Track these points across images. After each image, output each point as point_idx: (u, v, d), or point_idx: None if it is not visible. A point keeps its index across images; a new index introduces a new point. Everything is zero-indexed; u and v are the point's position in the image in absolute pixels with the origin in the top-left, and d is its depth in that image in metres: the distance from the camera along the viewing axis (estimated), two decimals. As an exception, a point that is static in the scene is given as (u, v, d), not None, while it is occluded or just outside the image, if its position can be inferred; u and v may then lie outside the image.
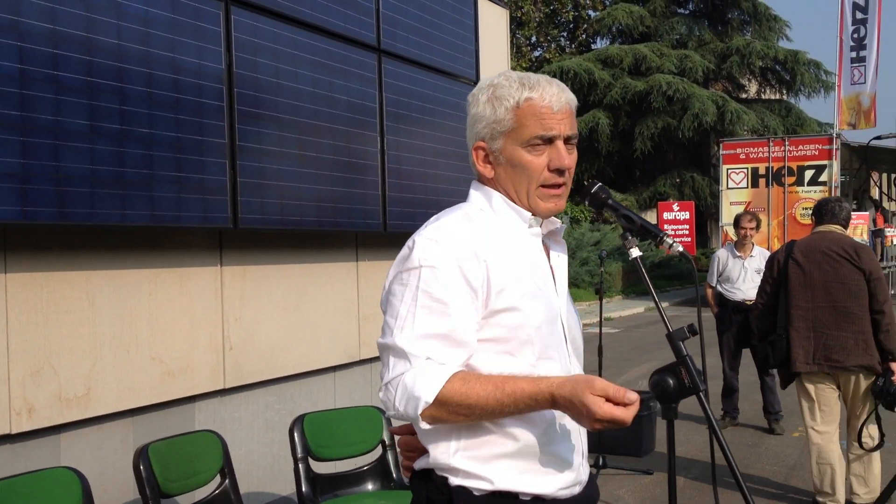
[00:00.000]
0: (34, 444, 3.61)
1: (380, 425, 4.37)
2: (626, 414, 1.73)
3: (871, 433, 5.18)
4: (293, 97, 4.79)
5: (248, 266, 4.74)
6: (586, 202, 2.10)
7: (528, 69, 27.88)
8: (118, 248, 4.00)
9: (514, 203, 2.00)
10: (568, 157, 1.96)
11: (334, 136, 5.08)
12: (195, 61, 4.19)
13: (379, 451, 4.37)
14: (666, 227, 20.66)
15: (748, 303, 7.54)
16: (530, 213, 1.99)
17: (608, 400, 1.72)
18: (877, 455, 5.21)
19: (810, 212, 19.18)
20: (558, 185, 1.98)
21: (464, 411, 1.81)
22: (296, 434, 4.10)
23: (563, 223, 2.10)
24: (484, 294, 1.88)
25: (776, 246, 17.29)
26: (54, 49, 3.52)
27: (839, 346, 5.07)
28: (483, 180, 2.05)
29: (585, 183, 6.09)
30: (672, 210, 24.07)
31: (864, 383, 5.11)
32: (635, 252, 1.99)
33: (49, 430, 3.67)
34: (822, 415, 5.22)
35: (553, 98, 1.93)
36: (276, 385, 4.99)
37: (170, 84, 4.04)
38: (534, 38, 33.77)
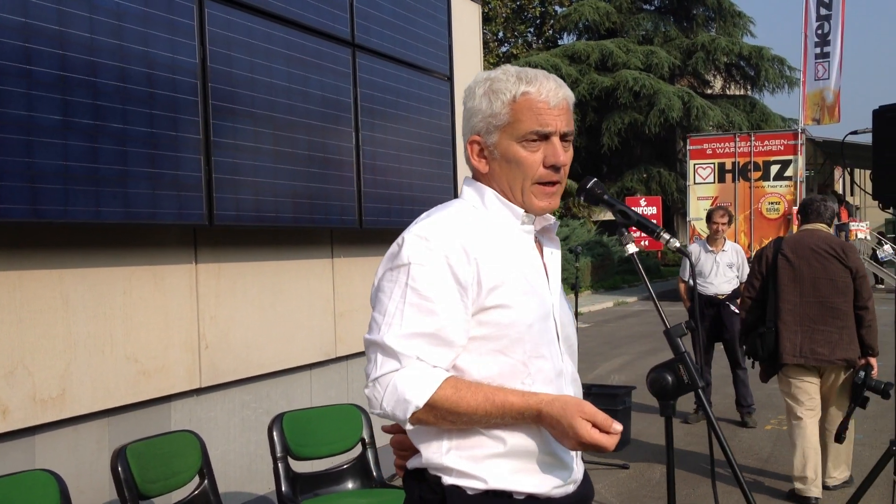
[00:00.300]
0: (9, 445, 3.53)
1: (359, 423, 4.34)
2: (610, 441, 1.77)
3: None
4: (268, 92, 4.73)
5: (223, 263, 4.68)
6: (581, 197, 2.08)
7: (495, 65, 27.90)
8: (92, 246, 3.92)
9: (508, 199, 1.97)
10: (563, 154, 1.94)
11: (309, 131, 5.03)
12: (169, 55, 4.11)
13: (359, 449, 4.34)
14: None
15: (720, 297, 7.61)
16: (523, 210, 1.97)
17: (594, 426, 1.76)
18: (850, 437, 5.38)
19: (776, 206, 19.28)
20: (553, 183, 1.96)
21: (451, 418, 1.81)
22: (275, 433, 4.05)
23: (556, 220, 2.08)
24: (474, 292, 1.86)
25: (743, 240, 17.47)
26: (25, 43, 3.44)
27: (825, 340, 5.23)
28: (477, 176, 2.03)
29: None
30: (639, 205, 24.24)
31: (843, 377, 5.29)
32: (632, 248, 1.98)
33: (23, 432, 3.59)
34: (806, 405, 5.39)
35: (550, 93, 1.90)
36: (252, 384, 4.93)
37: (143, 79, 3.97)
38: (501, 34, 33.81)
